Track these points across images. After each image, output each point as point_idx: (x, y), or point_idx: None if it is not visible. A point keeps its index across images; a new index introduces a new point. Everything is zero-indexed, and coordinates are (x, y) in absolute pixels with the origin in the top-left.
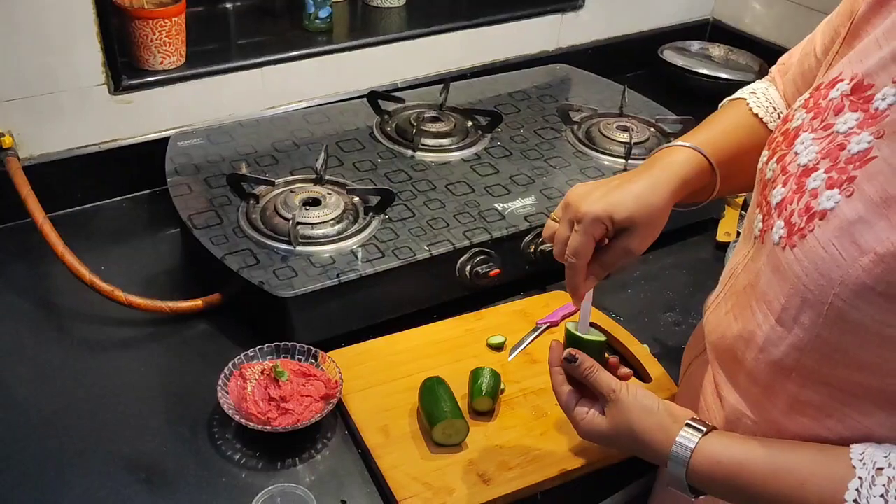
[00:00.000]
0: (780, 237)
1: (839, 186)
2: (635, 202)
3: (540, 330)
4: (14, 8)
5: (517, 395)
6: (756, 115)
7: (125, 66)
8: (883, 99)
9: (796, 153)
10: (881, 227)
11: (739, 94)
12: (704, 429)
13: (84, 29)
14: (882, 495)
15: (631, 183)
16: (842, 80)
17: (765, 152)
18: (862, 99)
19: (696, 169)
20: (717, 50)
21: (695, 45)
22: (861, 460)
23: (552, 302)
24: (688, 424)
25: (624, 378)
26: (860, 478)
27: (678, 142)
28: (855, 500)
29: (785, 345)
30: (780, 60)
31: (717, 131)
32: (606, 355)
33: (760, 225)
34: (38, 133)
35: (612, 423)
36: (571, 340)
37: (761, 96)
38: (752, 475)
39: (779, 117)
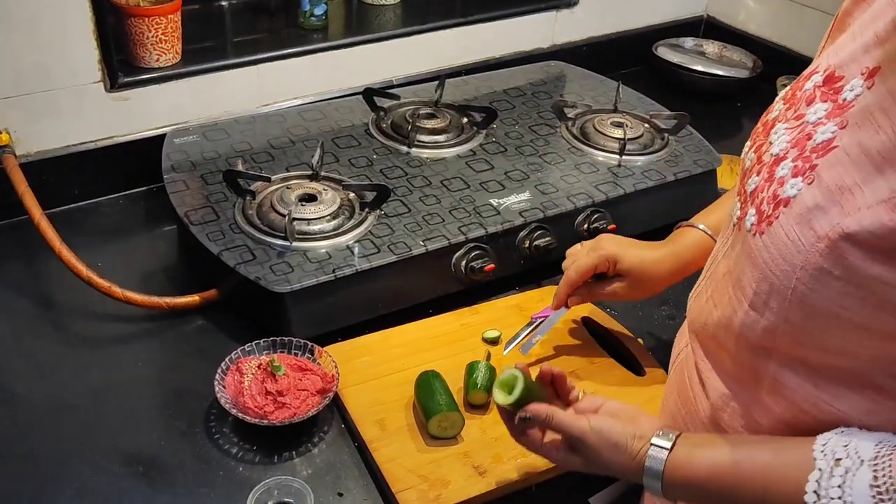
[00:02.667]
0: (752, 224)
1: (802, 175)
2: (639, 264)
3: (535, 324)
4: (10, 5)
5: None
6: None
7: (121, 63)
8: (851, 90)
9: (770, 143)
10: (834, 212)
11: None
12: (669, 444)
13: (80, 26)
14: (839, 486)
15: (648, 249)
16: (817, 72)
17: (747, 143)
18: (832, 90)
19: (702, 252)
20: (711, 47)
21: (689, 42)
22: (822, 451)
23: (547, 296)
24: (653, 444)
25: (573, 400)
26: (819, 469)
27: (695, 222)
28: (815, 492)
29: (759, 328)
30: None
31: (726, 211)
32: (536, 381)
33: (738, 213)
34: (34, 130)
35: (584, 461)
36: (499, 404)
37: None
38: (720, 485)
39: None
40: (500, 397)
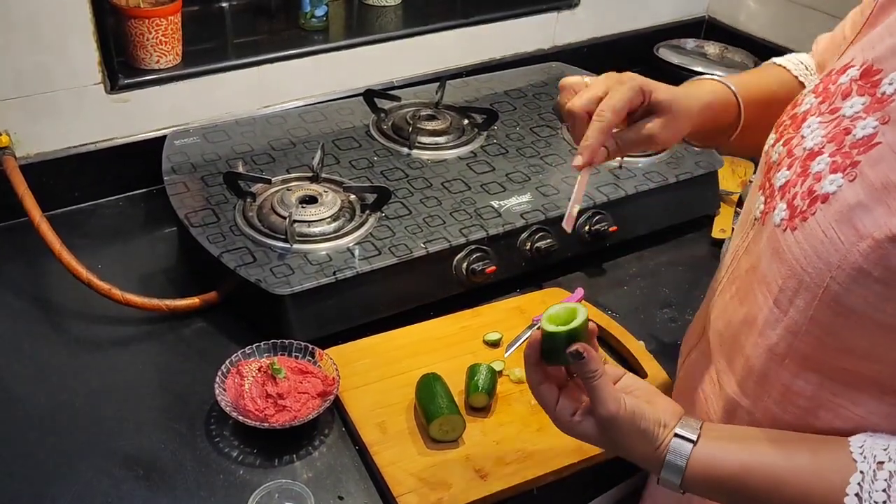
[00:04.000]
0: (782, 219)
1: (843, 171)
2: (672, 95)
3: (536, 326)
4: (10, 7)
5: (513, 392)
6: (789, 70)
7: (121, 65)
8: (890, 83)
9: (803, 136)
10: (880, 212)
11: (774, 59)
12: (695, 436)
13: (80, 28)
14: (885, 490)
15: (666, 86)
16: (852, 66)
17: (772, 135)
18: (870, 83)
19: (723, 100)
20: (712, 48)
21: (690, 43)
22: (861, 453)
23: (548, 299)
24: (677, 434)
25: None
26: (861, 472)
27: (707, 76)
28: (857, 495)
29: (780, 328)
30: (815, 41)
31: (750, 77)
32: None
33: (762, 207)
34: (34, 132)
35: (601, 435)
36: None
37: (795, 61)
38: (749, 485)
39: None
40: (551, 326)
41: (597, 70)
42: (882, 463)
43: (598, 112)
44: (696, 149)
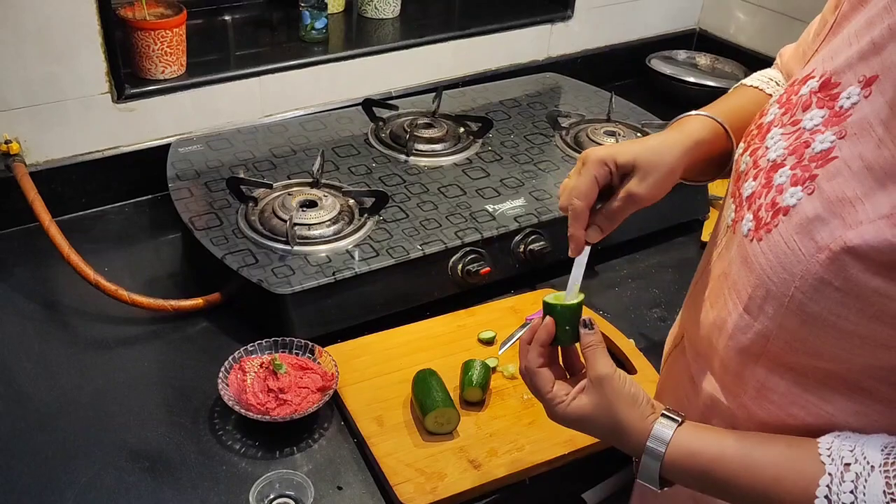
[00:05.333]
0: (749, 230)
1: (802, 184)
2: (642, 150)
3: (529, 325)
4: (21, 20)
5: (507, 386)
6: (762, 90)
7: (128, 75)
8: (848, 98)
9: (767, 147)
10: (836, 224)
11: (745, 81)
12: (679, 419)
13: (88, 40)
14: (852, 491)
15: (645, 139)
16: (812, 77)
17: (741, 144)
18: (828, 96)
19: (711, 134)
20: (703, 59)
21: (681, 54)
22: (829, 455)
23: (541, 300)
24: (664, 415)
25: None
26: (830, 474)
27: (693, 112)
28: (826, 497)
29: (752, 332)
30: (779, 53)
31: (730, 104)
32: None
33: (733, 215)
34: (44, 140)
35: (594, 407)
36: (549, 309)
37: (765, 79)
38: (725, 469)
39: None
40: (572, 298)
41: (590, 80)
42: (849, 465)
43: (569, 204)
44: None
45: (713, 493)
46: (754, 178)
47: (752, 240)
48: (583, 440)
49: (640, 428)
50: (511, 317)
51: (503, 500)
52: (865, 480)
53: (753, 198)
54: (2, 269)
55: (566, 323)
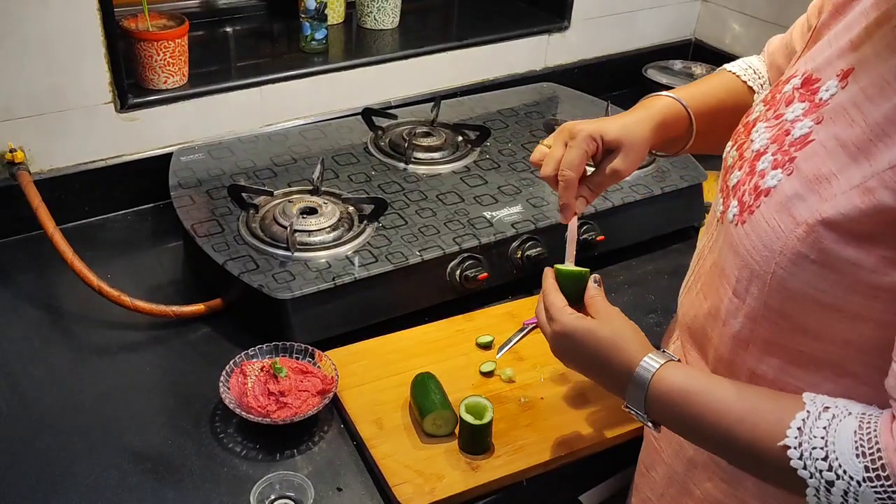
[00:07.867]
0: (734, 215)
1: (782, 167)
2: (622, 128)
3: (526, 330)
4: (26, 31)
5: (504, 390)
6: (738, 76)
7: (131, 85)
8: (826, 90)
9: (752, 140)
10: (812, 200)
11: (727, 66)
12: (664, 359)
13: (92, 50)
14: (825, 427)
15: (618, 117)
16: (795, 76)
17: (729, 143)
18: (809, 91)
19: (674, 115)
20: (698, 69)
21: (677, 64)
22: (812, 400)
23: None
24: (649, 356)
25: None
26: (808, 411)
27: (661, 92)
28: (798, 429)
29: (741, 316)
30: (767, 43)
31: (699, 88)
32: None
33: (721, 207)
34: (48, 149)
35: (598, 325)
36: (561, 275)
37: (745, 66)
38: (705, 403)
39: (762, 83)
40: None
41: (587, 90)
42: (828, 408)
43: (560, 173)
44: (666, 158)
45: (692, 432)
46: (739, 169)
47: (736, 224)
48: (579, 443)
49: (633, 355)
50: (508, 322)
51: (501, 501)
52: (840, 421)
53: (738, 186)
54: (6, 276)
55: (571, 286)
